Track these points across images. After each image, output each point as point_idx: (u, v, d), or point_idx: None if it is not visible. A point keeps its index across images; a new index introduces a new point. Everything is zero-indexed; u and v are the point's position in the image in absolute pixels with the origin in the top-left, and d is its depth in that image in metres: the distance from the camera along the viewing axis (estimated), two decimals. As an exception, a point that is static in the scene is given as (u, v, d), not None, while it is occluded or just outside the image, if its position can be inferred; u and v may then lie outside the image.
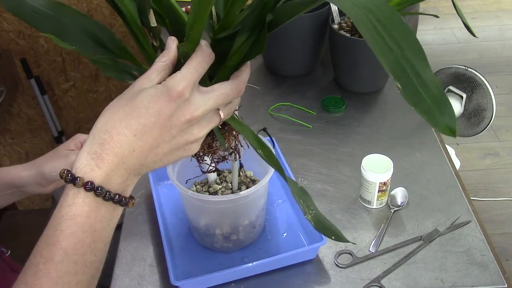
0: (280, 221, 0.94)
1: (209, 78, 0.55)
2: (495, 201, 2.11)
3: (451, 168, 1.04)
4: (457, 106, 1.62)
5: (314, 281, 0.84)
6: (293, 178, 0.95)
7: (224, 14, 0.52)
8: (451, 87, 1.63)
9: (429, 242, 0.89)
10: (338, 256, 0.88)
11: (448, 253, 0.88)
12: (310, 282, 0.84)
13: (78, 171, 0.48)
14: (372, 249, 0.89)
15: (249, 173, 0.90)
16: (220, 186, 0.87)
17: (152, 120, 0.48)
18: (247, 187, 0.86)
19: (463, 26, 1.01)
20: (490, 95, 1.59)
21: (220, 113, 0.53)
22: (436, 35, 3.23)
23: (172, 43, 0.51)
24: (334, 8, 1.24)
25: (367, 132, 1.15)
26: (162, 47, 0.53)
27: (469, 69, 1.59)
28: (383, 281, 0.83)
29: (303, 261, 0.87)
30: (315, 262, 0.87)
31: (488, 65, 2.90)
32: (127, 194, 0.52)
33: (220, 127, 0.63)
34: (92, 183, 0.48)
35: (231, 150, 0.67)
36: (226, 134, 0.64)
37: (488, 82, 1.58)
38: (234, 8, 0.50)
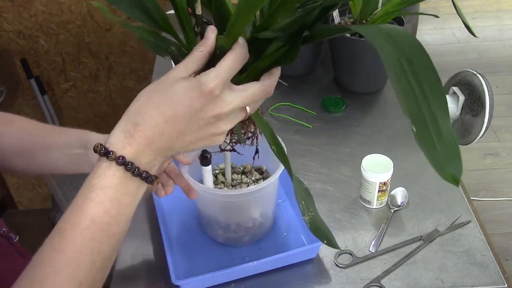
0: (280, 220, 0.94)
1: (240, 72, 0.56)
2: (495, 201, 2.11)
3: (451, 168, 1.04)
4: (453, 108, 1.61)
5: (314, 281, 0.85)
6: (293, 178, 0.95)
7: (267, 16, 0.53)
8: (454, 88, 1.63)
9: (429, 242, 0.89)
10: (338, 256, 0.88)
11: (448, 253, 0.88)
12: (310, 282, 0.84)
13: (111, 146, 0.52)
14: (372, 249, 0.89)
15: (263, 167, 0.92)
16: (219, 187, 0.88)
17: (182, 111, 0.52)
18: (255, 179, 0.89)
19: (463, 26, 1.01)
20: (485, 111, 1.57)
21: (247, 108, 0.55)
22: (436, 35, 3.23)
23: (211, 33, 0.53)
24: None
25: (367, 132, 1.15)
26: (202, 33, 0.55)
27: (477, 74, 1.58)
28: (383, 281, 0.84)
29: (303, 261, 0.87)
30: (315, 262, 0.87)
31: (488, 65, 2.90)
32: (153, 172, 0.55)
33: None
34: (123, 158, 0.52)
35: (250, 135, 0.69)
36: (247, 122, 0.66)
37: (488, 94, 1.55)
38: (277, 13, 0.52)
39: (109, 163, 0.52)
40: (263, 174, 0.92)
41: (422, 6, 3.03)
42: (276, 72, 0.57)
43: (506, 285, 0.82)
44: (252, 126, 0.68)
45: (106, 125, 2.03)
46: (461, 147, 1.73)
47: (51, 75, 1.86)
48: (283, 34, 0.54)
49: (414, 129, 0.43)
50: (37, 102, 1.86)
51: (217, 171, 0.91)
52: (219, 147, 0.74)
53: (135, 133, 0.52)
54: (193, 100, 0.51)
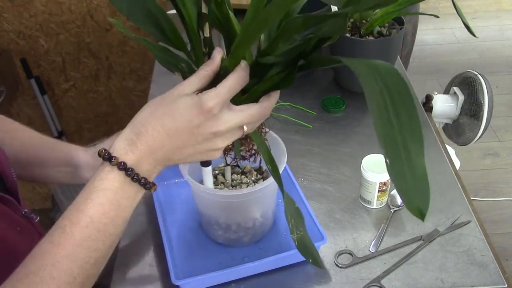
0: (280, 220, 0.94)
1: (242, 93, 0.60)
2: (495, 201, 2.11)
3: (451, 168, 1.04)
4: (452, 108, 1.61)
5: (314, 281, 0.85)
6: (293, 179, 0.96)
7: (269, 42, 0.57)
8: (455, 88, 1.62)
9: (429, 242, 0.89)
10: (338, 256, 0.88)
11: (448, 253, 0.88)
12: (310, 282, 0.84)
13: (114, 152, 0.56)
14: (372, 249, 0.89)
15: (263, 167, 0.92)
16: (220, 187, 0.88)
17: (183, 125, 0.56)
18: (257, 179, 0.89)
19: (463, 26, 1.01)
20: (483, 114, 1.56)
21: (244, 128, 0.59)
22: (436, 35, 3.23)
23: (217, 55, 0.58)
24: (334, 9, 1.24)
25: (367, 132, 1.15)
26: (210, 53, 0.60)
27: (478, 75, 1.58)
28: (383, 281, 0.84)
29: (303, 261, 0.87)
30: (315, 262, 0.87)
31: (488, 65, 2.91)
32: (151, 180, 0.59)
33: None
34: (125, 163, 0.56)
35: (253, 152, 0.74)
36: (248, 140, 0.70)
37: (488, 96, 1.55)
38: (278, 41, 0.56)
39: (111, 168, 0.56)
40: (263, 174, 0.92)
41: (422, 6, 3.03)
42: (275, 95, 0.61)
43: (506, 285, 0.82)
44: (253, 145, 0.72)
45: (106, 125, 2.03)
46: (461, 147, 1.73)
47: (51, 75, 1.86)
48: (282, 60, 0.58)
49: (388, 162, 0.44)
50: (37, 102, 1.86)
51: (216, 172, 0.91)
52: (225, 162, 0.80)
53: (137, 142, 0.56)
54: (193, 116, 0.55)
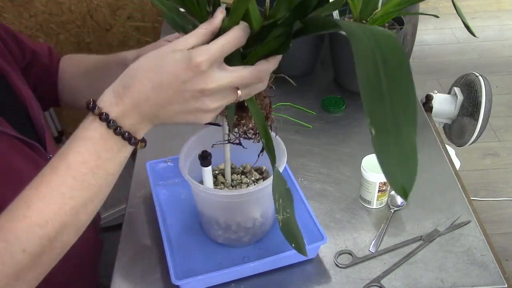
0: (280, 221, 0.94)
1: (242, 59, 0.57)
2: (495, 201, 2.11)
3: (451, 168, 1.04)
4: (451, 107, 1.61)
5: (314, 281, 0.85)
6: (293, 179, 0.96)
7: (272, 8, 0.55)
8: (455, 88, 1.63)
9: (429, 242, 0.89)
10: (338, 256, 0.88)
11: (448, 253, 0.88)
12: (310, 282, 0.84)
13: (101, 103, 0.56)
14: (372, 249, 0.89)
15: (263, 167, 0.93)
16: (220, 187, 0.88)
17: (169, 80, 0.53)
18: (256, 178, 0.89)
19: (463, 26, 1.01)
20: (480, 114, 1.56)
21: (238, 93, 0.56)
22: (436, 35, 3.23)
23: (218, 14, 0.56)
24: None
25: (367, 132, 1.15)
26: (214, 12, 0.57)
27: (479, 76, 1.58)
28: (383, 281, 0.84)
29: (303, 261, 0.87)
30: (315, 262, 0.87)
31: (488, 65, 2.91)
32: (138, 136, 0.58)
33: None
34: (107, 114, 0.55)
35: (256, 131, 0.69)
36: (249, 114, 0.66)
37: (486, 96, 1.55)
38: (280, 4, 0.54)
39: (93, 117, 0.55)
40: (263, 174, 0.92)
41: (422, 6, 3.03)
42: (271, 60, 0.58)
43: (506, 285, 0.82)
44: (250, 121, 0.68)
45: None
46: (461, 148, 1.73)
47: (51, 75, 1.86)
48: (283, 24, 0.55)
49: (373, 132, 0.41)
50: (37, 102, 1.85)
51: (216, 172, 0.92)
52: (228, 139, 0.74)
53: (123, 94, 0.55)
54: (180, 71, 0.53)
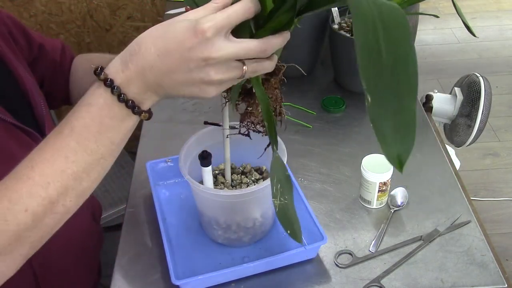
0: (280, 221, 0.94)
1: (250, 36, 0.57)
2: (495, 201, 2.11)
3: (451, 168, 1.04)
4: (450, 107, 1.61)
5: (314, 281, 0.85)
6: (293, 179, 0.96)
7: None
8: (456, 88, 1.63)
9: (429, 242, 0.89)
10: (338, 256, 0.88)
11: (448, 253, 0.88)
12: (310, 282, 0.84)
13: (108, 70, 0.56)
14: (372, 249, 0.89)
15: (263, 167, 0.93)
16: (219, 187, 0.88)
17: (174, 47, 0.53)
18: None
19: (463, 26, 1.01)
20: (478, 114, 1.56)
21: (244, 68, 0.55)
22: (436, 35, 3.23)
23: None
24: (334, 8, 1.24)
25: (367, 132, 1.15)
26: None
27: (479, 77, 1.58)
28: (383, 281, 0.84)
29: (303, 261, 0.87)
30: (315, 262, 0.87)
31: (488, 65, 2.91)
32: (143, 107, 0.58)
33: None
34: (112, 80, 0.55)
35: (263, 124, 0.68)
36: (257, 102, 0.65)
37: (484, 97, 1.54)
38: None
39: (99, 83, 0.56)
40: (263, 174, 0.92)
41: (422, 6, 3.03)
42: (279, 35, 0.56)
43: (506, 285, 0.82)
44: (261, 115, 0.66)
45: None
46: (461, 148, 1.72)
47: (51, 75, 1.86)
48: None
49: (369, 99, 0.39)
50: (37, 102, 1.85)
51: (216, 172, 0.92)
52: (239, 131, 0.73)
53: (129, 61, 0.55)
54: (186, 37, 0.52)
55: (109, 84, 0.55)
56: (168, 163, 1.01)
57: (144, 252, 0.90)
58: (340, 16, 1.25)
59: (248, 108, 0.67)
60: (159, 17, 1.80)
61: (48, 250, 0.65)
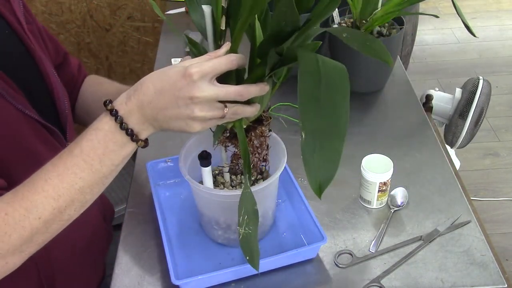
0: (280, 220, 0.94)
1: (238, 82, 0.67)
2: (495, 201, 2.11)
3: (451, 168, 1.04)
4: (447, 107, 1.62)
5: (314, 281, 0.85)
6: (293, 179, 0.96)
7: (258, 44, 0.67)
8: (457, 89, 1.63)
9: (429, 242, 0.89)
10: (338, 256, 0.88)
11: (448, 253, 0.88)
12: (310, 282, 0.84)
13: (115, 102, 0.66)
14: (372, 249, 0.89)
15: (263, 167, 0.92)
16: (219, 187, 0.88)
17: (168, 87, 0.64)
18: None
19: (463, 26, 1.01)
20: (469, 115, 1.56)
21: (225, 110, 0.65)
22: (436, 35, 3.23)
23: (224, 47, 0.67)
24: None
25: (367, 132, 1.15)
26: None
27: (480, 79, 1.58)
28: (383, 281, 0.84)
29: (303, 261, 0.87)
30: (315, 262, 0.87)
31: (488, 65, 2.91)
32: (141, 136, 0.68)
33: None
34: (116, 111, 0.65)
35: (267, 160, 0.81)
36: (257, 143, 0.77)
37: (478, 98, 1.54)
38: (264, 44, 0.65)
39: (106, 113, 0.66)
40: (263, 174, 0.92)
41: (422, 6, 3.03)
42: (259, 84, 0.66)
43: (506, 285, 0.82)
44: (266, 154, 0.79)
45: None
46: (461, 148, 1.71)
47: (51, 75, 1.86)
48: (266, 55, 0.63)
49: (303, 135, 0.47)
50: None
51: (216, 172, 0.91)
52: (228, 169, 0.85)
53: (132, 96, 0.66)
54: (177, 79, 0.63)
55: (114, 113, 0.65)
56: (168, 163, 1.01)
57: (144, 252, 0.90)
58: (340, 16, 1.25)
59: (235, 150, 0.79)
60: (159, 17, 1.80)
61: (55, 249, 0.76)
